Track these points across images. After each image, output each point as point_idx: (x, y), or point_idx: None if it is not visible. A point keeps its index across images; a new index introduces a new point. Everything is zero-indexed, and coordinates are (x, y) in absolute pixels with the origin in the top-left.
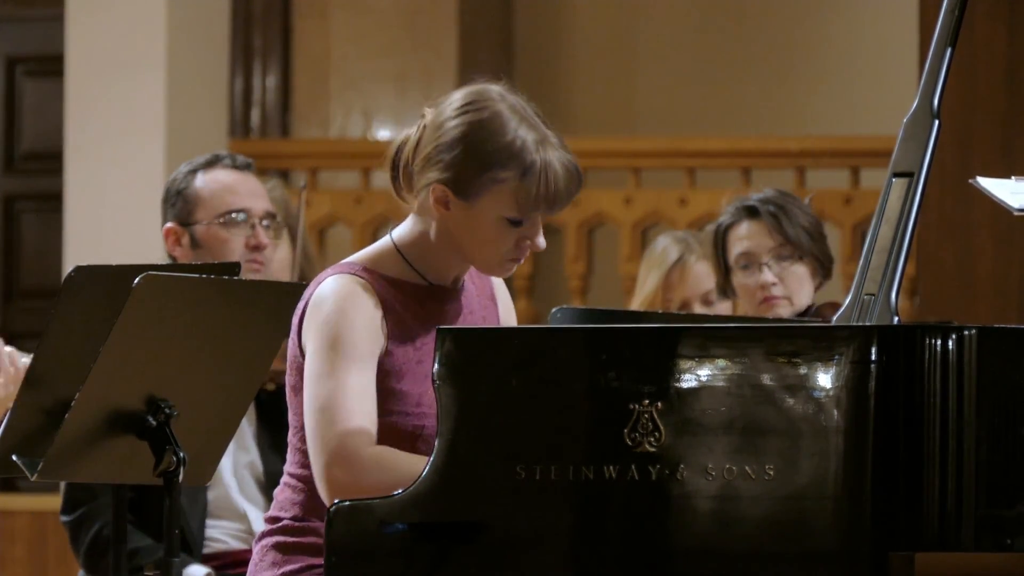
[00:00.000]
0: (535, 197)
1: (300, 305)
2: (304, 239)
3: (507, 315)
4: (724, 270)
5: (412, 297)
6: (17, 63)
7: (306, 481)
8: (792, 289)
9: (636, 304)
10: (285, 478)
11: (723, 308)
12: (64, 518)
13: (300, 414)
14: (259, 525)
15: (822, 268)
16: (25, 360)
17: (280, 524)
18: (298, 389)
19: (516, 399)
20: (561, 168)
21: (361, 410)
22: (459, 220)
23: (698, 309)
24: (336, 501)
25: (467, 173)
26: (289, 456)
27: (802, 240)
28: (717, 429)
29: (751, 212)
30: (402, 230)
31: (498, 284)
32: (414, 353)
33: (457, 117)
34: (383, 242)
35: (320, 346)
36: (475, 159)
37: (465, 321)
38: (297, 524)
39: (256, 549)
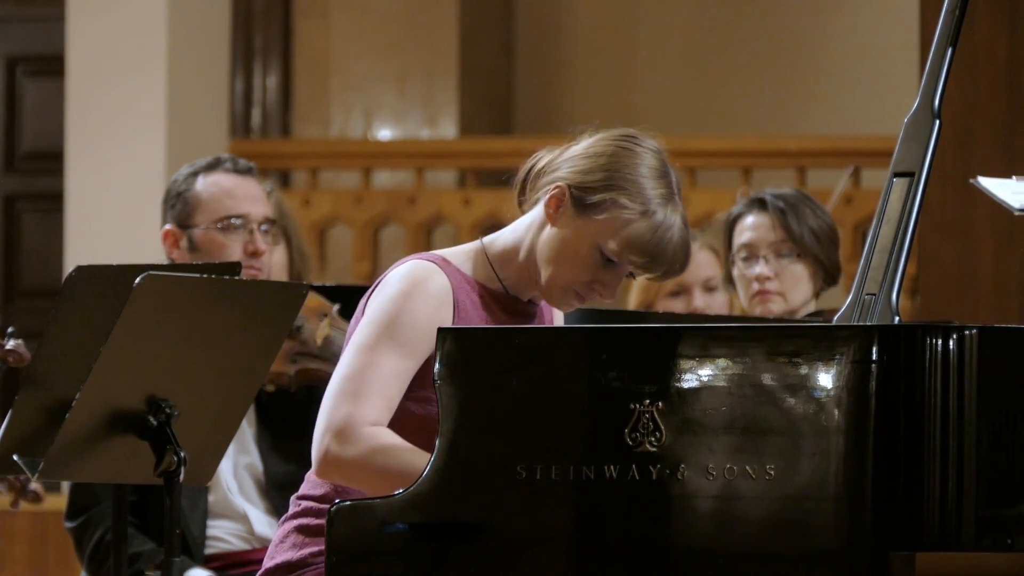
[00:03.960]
0: (639, 244)
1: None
2: (299, 239)
3: None
4: (728, 260)
5: (486, 298)
6: (17, 63)
7: None
8: (787, 286)
9: (632, 289)
10: None
11: (720, 300)
12: (68, 524)
13: None
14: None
15: (824, 271)
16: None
17: (305, 506)
18: None
19: (517, 399)
20: (678, 234)
21: (383, 393)
22: (559, 230)
23: (699, 295)
24: (337, 501)
25: (594, 184)
26: None
27: (805, 239)
28: (718, 429)
29: (760, 205)
30: (494, 236)
31: None
32: None
33: (612, 140)
34: (473, 243)
35: (374, 320)
36: (608, 175)
37: None
38: (324, 506)
39: (279, 531)
